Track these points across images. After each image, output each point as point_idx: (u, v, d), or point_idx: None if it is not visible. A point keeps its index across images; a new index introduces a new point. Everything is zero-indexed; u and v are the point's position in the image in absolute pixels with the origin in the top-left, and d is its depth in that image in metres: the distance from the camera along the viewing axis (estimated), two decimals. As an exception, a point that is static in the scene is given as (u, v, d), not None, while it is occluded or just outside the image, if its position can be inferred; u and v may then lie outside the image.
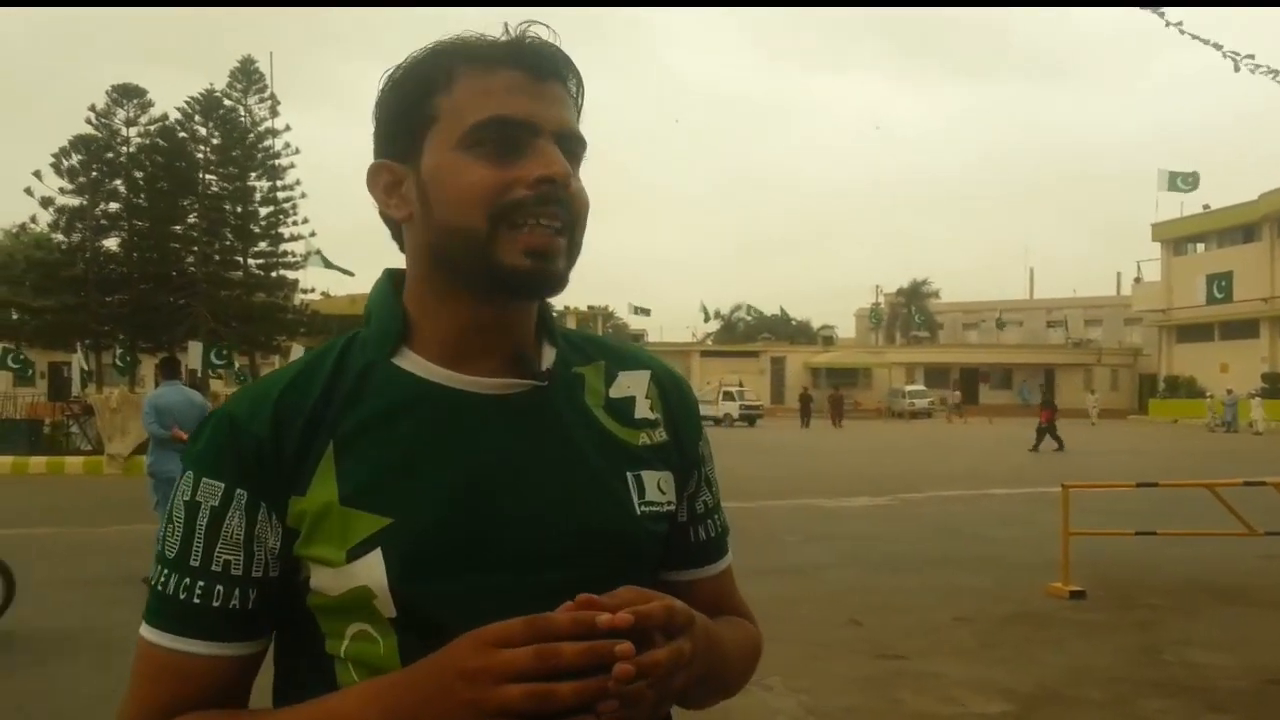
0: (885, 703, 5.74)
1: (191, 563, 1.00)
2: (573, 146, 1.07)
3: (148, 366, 34.71)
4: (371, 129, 1.12)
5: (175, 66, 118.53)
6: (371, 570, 0.98)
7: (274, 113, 38.47)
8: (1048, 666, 6.38)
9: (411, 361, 1.07)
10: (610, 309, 76.89)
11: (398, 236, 1.13)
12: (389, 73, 1.09)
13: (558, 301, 1.20)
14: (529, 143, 1.02)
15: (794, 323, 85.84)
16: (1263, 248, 50.56)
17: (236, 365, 30.78)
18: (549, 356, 1.15)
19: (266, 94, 38.47)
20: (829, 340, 77.05)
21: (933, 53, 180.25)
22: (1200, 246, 57.08)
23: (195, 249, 37.04)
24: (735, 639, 1.18)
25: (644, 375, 1.21)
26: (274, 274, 39.03)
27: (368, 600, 0.99)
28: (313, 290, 39.65)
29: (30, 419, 24.55)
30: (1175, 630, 7.26)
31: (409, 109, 1.06)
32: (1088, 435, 36.17)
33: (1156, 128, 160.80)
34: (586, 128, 1.11)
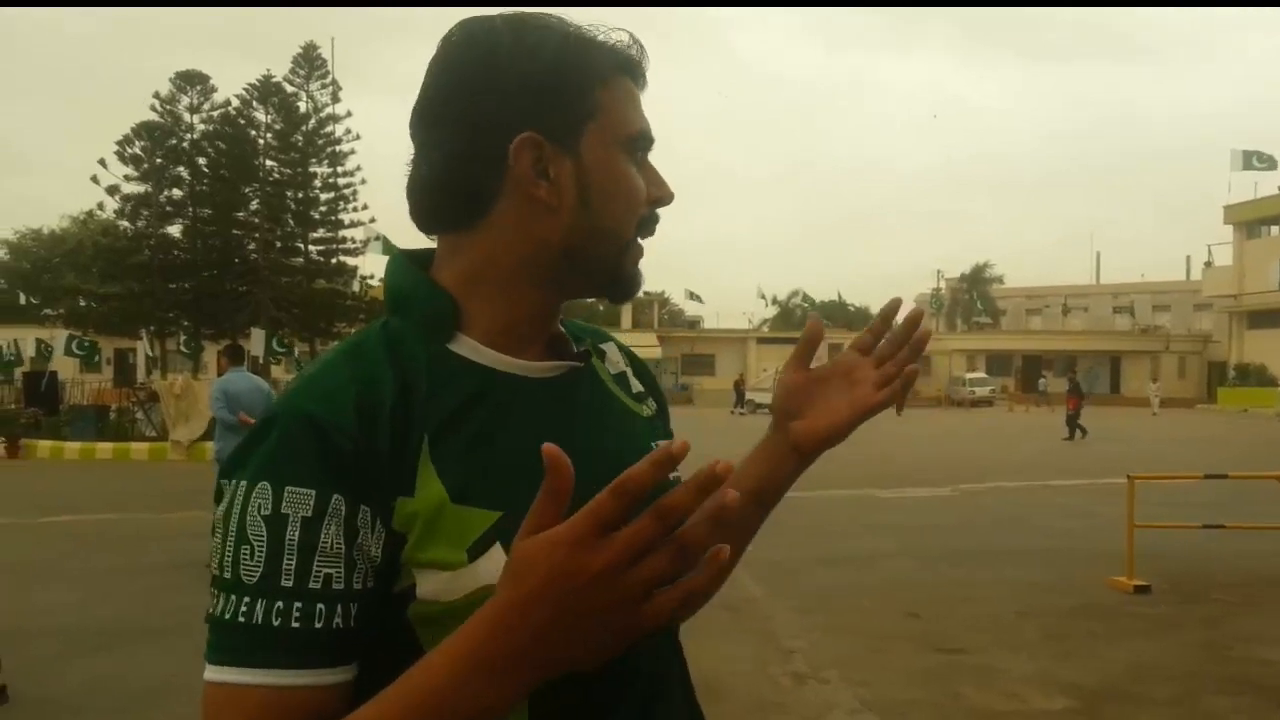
0: (945, 697, 5.66)
1: (284, 583, 0.89)
2: None
3: (211, 353, 35.34)
4: (465, 80, 1.02)
5: (239, 54, 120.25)
6: (495, 567, 0.91)
7: (335, 98, 38.90)
8: (1112, 662, 6.26)
9: (468, 348, 1.03)
10: (666, 295, 76.92)
11: (470, 214, 1.04)
12: (516, 31, 1.02)
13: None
14: (645, 160, 1.08)
15: (852, 309, 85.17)
16: (1340, 231, 49.31)
17: (297, 352, 31.16)
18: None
19: (328, 80, 38.89)
20: (888, 326, 76.33)
21: (997, 32, 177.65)
22: (1275, 229, 55.70)
23: (257, 236, 37.61)
24: None
25: (614, 348, 1.24)
26: (334, 260, 39.50)
27: None
28: (372, 276, 40.06)
29: (97, 405, 25.07)
30: (1244, 626, 7.09)
31: (570, 90, 1.02)
32: (1151, 425, 35.56)
33: (1228, 108, 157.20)
34: (648, 109, 1.10)
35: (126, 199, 36.58)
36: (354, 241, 39.03)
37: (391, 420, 0.95)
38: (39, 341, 30.33)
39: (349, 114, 39.31)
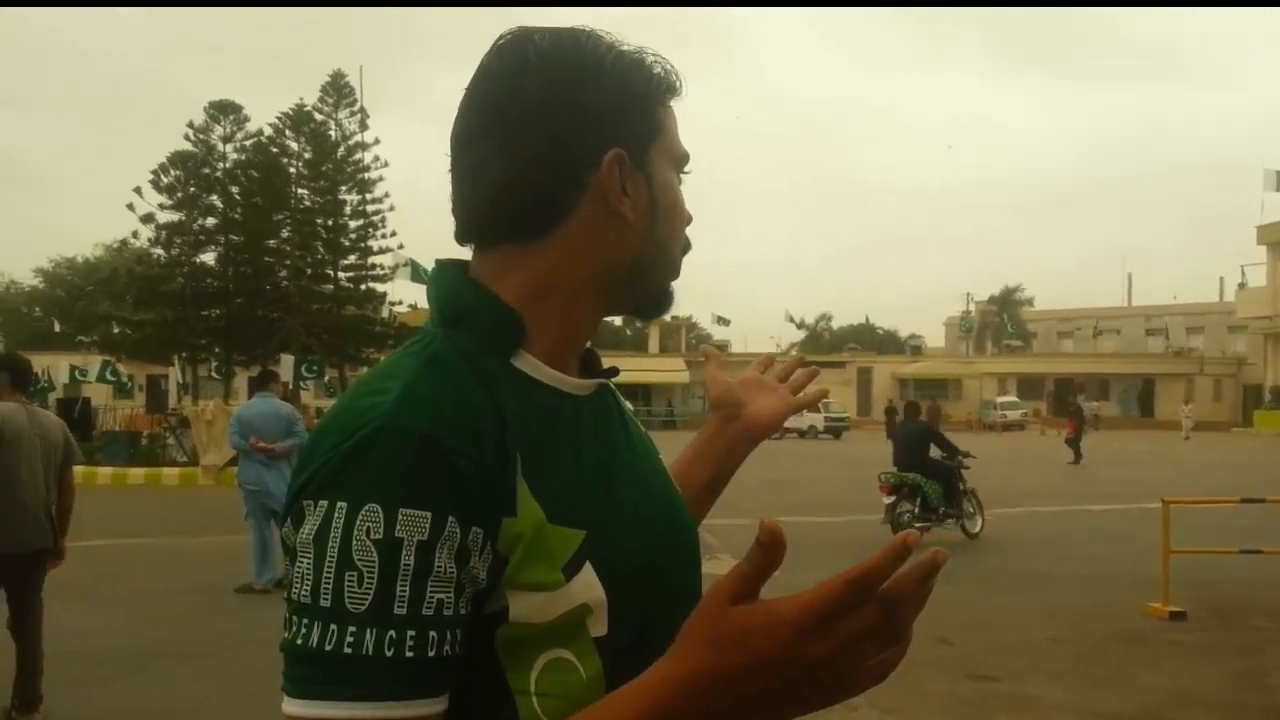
0: (977, 725, 5.60)
1: (397, 611, 0.84)
2: None
3: (242, 379, 35.63)
4: (541, 88, 0.99)
5: (270, 82, 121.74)
6: (588, 587, 0.93)
7: (364, 126, 39.26)
8: (1147, 690, 6.17)
9: (529, 365, 1.00)
10: (693, 319, 76.89)
11: (543, 225, 1.01)
12: (594, 47, 1.02)
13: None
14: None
15: (880, 332, 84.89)
16: (1375, 252, 48.61)
17: (326, 377, 31.37)
18: None
19: (356, 107, 39.27)
20: (917, 350, 76.11)
21: (1027, 51, 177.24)
22: (1308, 251, 54.97)
23: (288, 263, 37.94)
24: None
25: None
26: (363, 287, 39.78)
27: (581, 620, 0.93)
28: (400, 302, 40.33)
29: (129, 431, 25.34)
30: (1284, 653, 6.98)
31: (644, 109, 1.03)
32: (1183, 450, 35.16)
33: (1261, 127, 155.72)
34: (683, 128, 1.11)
35: (161, 227, 37.00)
36: (383, 268, 39.30)
37: (494, 437, 0.92)
38: (73, 368, 30.70)
39: (377, 141, 39.63)
